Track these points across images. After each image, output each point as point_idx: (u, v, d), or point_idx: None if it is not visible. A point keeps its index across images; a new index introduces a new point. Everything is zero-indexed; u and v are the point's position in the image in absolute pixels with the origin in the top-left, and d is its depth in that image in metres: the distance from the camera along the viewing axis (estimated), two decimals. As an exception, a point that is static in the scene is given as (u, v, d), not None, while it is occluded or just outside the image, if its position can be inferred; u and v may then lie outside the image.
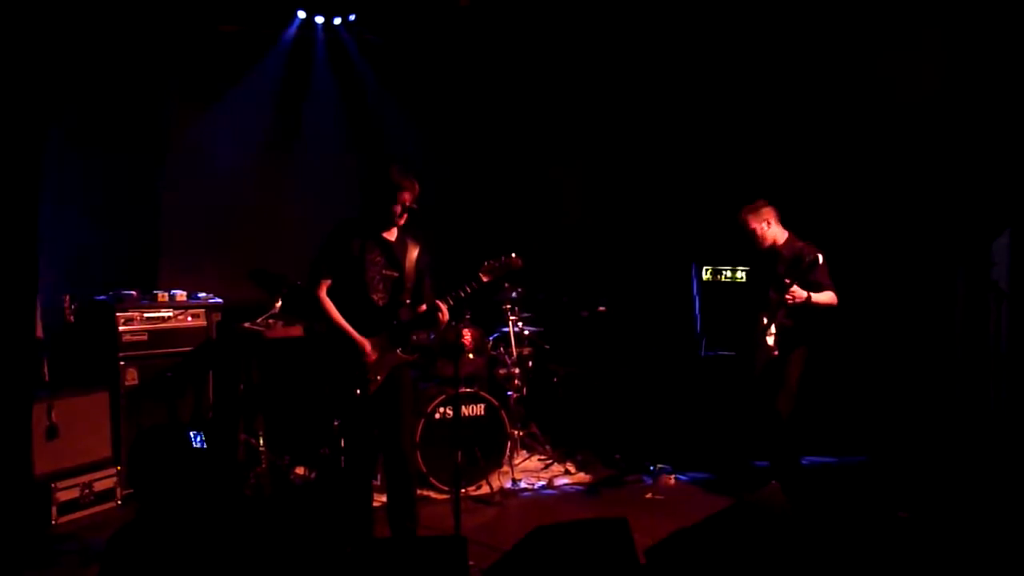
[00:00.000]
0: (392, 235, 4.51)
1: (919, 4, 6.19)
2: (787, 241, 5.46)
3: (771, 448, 5.47)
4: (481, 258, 4.51)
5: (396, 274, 4.46)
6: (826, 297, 5.28)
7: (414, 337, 4.62)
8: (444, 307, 4.39)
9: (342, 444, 5.55)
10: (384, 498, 4.95)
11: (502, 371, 6.29)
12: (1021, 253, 6.30)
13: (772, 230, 5.46)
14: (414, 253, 4.51)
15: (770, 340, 5.39)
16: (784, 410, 5.29)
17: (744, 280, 6.51)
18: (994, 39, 6.10)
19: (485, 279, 4.44)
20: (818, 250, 5.30)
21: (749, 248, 5.56)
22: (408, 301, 4.49)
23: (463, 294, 4.42)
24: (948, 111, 6.27)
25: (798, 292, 5.18)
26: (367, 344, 4.34)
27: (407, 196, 4.38)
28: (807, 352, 5.35)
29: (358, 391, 4.36)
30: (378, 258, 4.43)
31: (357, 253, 4.39)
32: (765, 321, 5.26)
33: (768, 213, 5.45)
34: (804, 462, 6.33)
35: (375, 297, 4.40)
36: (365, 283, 4.38)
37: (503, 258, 4.48)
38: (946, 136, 6.35)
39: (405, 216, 4.41)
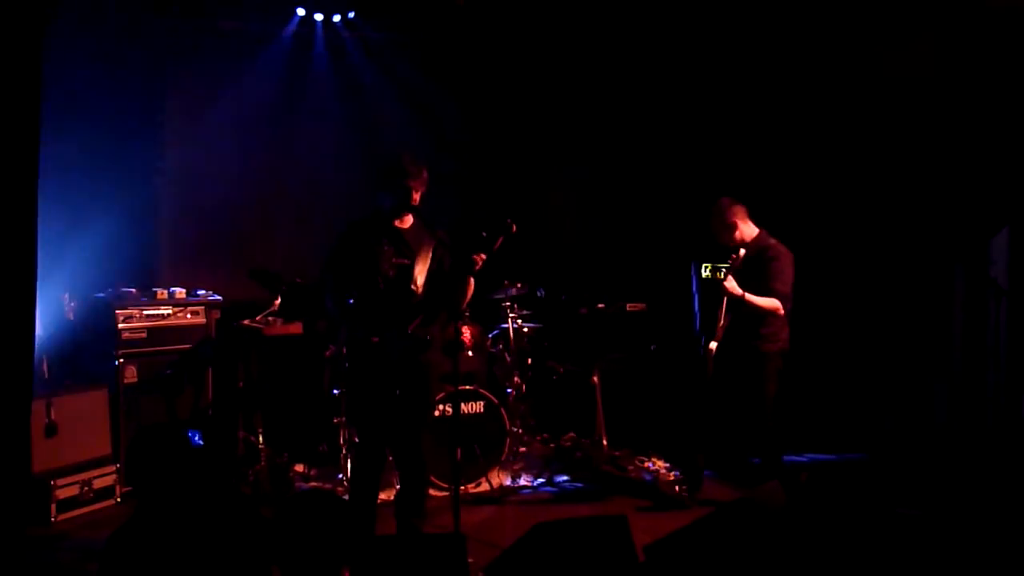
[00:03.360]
0: (405, 223, 4.48)
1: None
2: (756, 238, 5.33)
3: (760, 449, 5.43)
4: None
5: (409, 263, 4.43)
6: (765, 302, 5.10)
7: (435, 329, 4.58)
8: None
9: (342, 441, 5.59)
10: (384, 495, 4.96)
11: (501, 368, 6.29)
12: (1020, 250, 6.30)
13: (744, 227, 5.33)
14: (430, 244, 4.47)
15: (712, 344, 5.32)
16: (766, 421, 5.24)
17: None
18: (992, 33, 6.10)
19: (479, 257, 4.23)
20: (784, 251, 5.19)
21: (720, 245, 5.41)
22: (422, 292, 4.45)
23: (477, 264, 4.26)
24: (947, 106, 6.27)
25: (732, 287, 5.07)
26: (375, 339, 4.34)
27: (415, 181, 4.36)
28: (778, 360, 5.24)
29: (396, 391, 4.36)
30: (388, 248, 4.42)
31: (367, 247, 4.38)
32: (720, 321, 5.20)
33: (736, 211, 5.30)
34: (805, 459, 6.36)
35: (387, 288, 4.39)
36: (377, 275, 4.38)
37: (495, 225, 4.22)
38: (945, 132, 6.34)
39: (416, 200, 4.36)
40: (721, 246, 5.40)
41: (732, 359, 5.26)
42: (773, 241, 5.29)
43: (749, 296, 5.10)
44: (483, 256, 4.23)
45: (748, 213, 5.35)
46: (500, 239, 4.22)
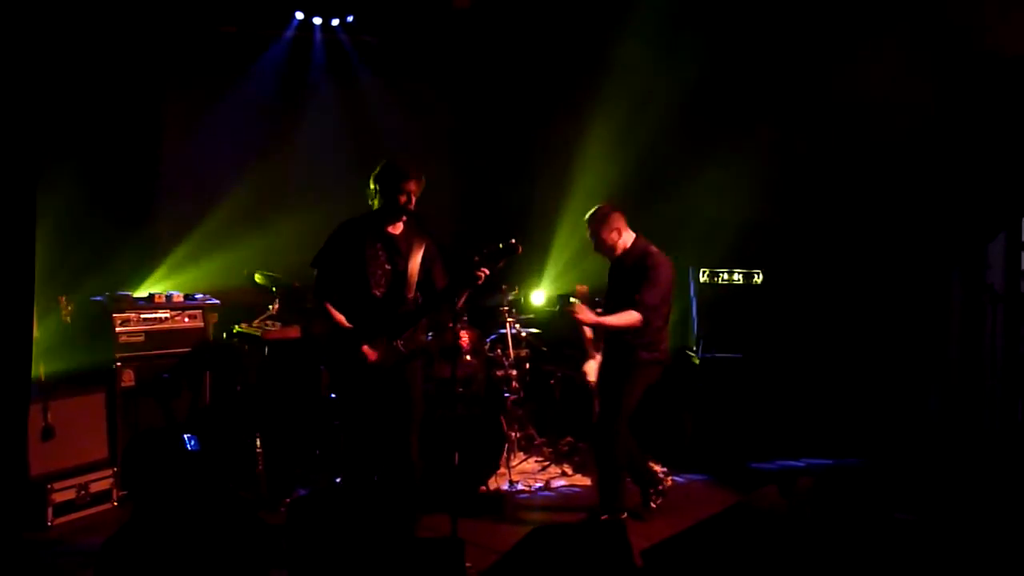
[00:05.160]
0: (397, 229, 4.49)
1: (912, 10, 6.20)
2: (634, 244, 5.05)
3: (599, 459, 5.23)
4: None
5: (400, 268, 4.44)
6: (619, 320, 4.85)
7: (421, 336, 4.60)
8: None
9: (340, 445, 5.58)
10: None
11: (499, 373, 6.29)
12: (1016, 256, 6.32)
13: (623, 237, 5.05)
14: (420, 249, 4.48)
15: (591, 363, 5.19)
16: (620, 432, 5.04)
17: (741, 283, 6.51)
18: (987, 40, 6.12)
19: (482, 272, 4.22)
20: (663, 260, 4.93)
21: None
22: (411, 296, 4.47)
23: (476, 283, 4.26)
24: (944, 113, 6.28)
25: (586, 316, 4.83)
26: (366, 348, 4.34)
27: (412, 186, 4.37)
28: (652, 370, 5.03)
29: (374, 393, 4.37)
30: (380, 253, 4.42)
31: (357, 249, 4.39)
32: (590, 351, 5.07)
33: (616, 219, 5.03)
34: (801, 464, 6.36)
35: (376, 292, 4.40)
36: (367, 278, 4.38)
37: (501, 244, 4.24)
38: (942, 138, 6.36)
39: (411, 206, 4.37)
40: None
41: (610, 365, 5.09)
42: (654, 249, 5.02)
43: (603, 319, 4.90)
44: (486, 271, 4.24)
45: (626, 219, 5.11)
46: (504, 260, 4.25)
